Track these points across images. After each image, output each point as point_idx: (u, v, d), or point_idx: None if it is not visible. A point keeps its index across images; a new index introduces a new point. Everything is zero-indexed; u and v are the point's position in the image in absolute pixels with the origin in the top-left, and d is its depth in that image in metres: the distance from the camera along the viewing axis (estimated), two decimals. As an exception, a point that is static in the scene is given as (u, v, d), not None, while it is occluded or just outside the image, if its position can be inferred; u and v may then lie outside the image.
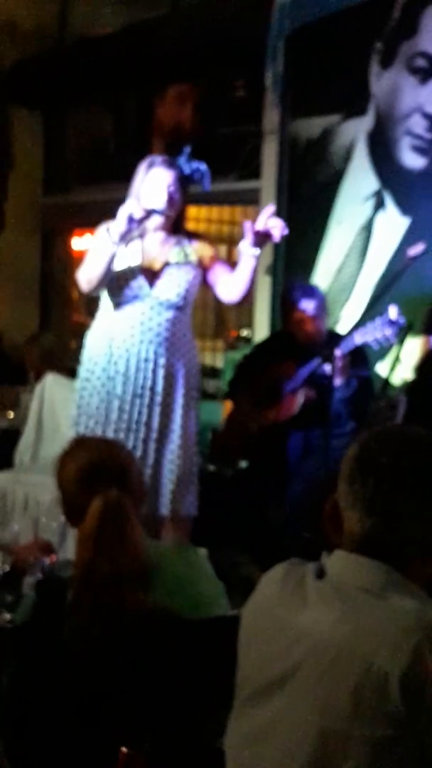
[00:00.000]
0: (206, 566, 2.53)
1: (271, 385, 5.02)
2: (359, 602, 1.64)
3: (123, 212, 4.16)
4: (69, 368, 5.49)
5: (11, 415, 6.34)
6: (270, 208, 4.25)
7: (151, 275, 4.34)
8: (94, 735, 2.04)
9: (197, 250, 4.43)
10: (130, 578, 2.23)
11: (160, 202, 4.27)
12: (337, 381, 4.58)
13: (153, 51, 7.17)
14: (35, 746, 2.03)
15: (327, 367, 4.55)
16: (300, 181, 6.41)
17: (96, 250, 4.27)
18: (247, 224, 4.21)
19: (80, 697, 2.09)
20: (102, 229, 4.32)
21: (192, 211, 7.01)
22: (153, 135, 7.59)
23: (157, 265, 4.34)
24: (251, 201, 6.86)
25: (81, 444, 2.57)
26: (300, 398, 4.83)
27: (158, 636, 2.22)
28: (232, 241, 8.21)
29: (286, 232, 4.19)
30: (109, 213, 4.27)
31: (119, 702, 2.09)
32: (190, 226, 5.98)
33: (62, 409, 5.32)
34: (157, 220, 4.32)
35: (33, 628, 2.23)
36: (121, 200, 4.30)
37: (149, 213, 4.24)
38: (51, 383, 5.60)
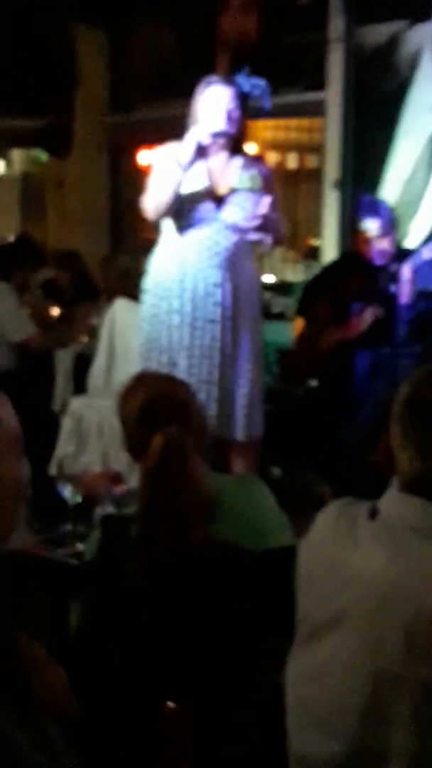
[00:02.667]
0: (268, 497, 2.56)
1: (340, 304, 4.99)
2: (409, 542, 1.66)
3: (190, 138, 4.13)
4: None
5: (85, 339, 6.39)
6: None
7: (217, 198, 4.31)
8: (161, 672, 2.11)
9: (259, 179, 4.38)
10: (192, 513, 2.27)
11: (219, 121, 4.22)
12: (404, 298, 4.54)
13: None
14: (100, 685, 2.10)
15: (394, 286, 4.52)
16: (366, 91, 6.27)
17: (161, 176, 4.25)
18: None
19: (146, 634, 2.16)
20: (164, 152, 4.30)
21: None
22: (217, 49, 7.46)
23: (222, 189, 4.32)
24: (317, 112, 6.73)
25: (141, 380, 2.60)
26: (367, 316, 4.80)
27: (222, 569, 2.27)
28: (301, 149, 8.09)
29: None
30: (176, 129, 4.24)
31: (184, 638, 2.15)
32: (260, 134, 5.92)
33: (133, 334, 5.35)
34: (219, 141, 4.27)
35: (99, 565, 2.29)
36: (186, 117, 4.26)
37: (215, 136, 4.21)
38: (121, 308, 5.62)
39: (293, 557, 1.97)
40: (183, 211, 4.29)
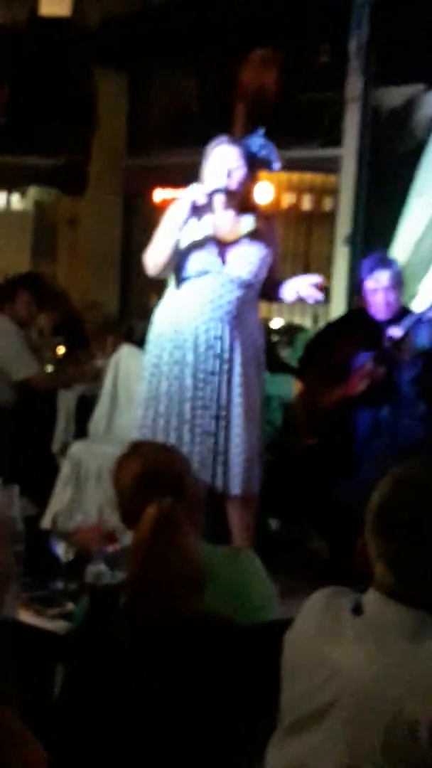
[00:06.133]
0: (259, 570, 2.56)
1: (340, 362, 4.98)
2: (392, 644, 1.66)
3: (186, 199, 4.16)
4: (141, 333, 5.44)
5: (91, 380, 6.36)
6: (316, 279, 4.44)
7: (224, 251, 4.34)
8: (142, 745, 2.10)
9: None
10: (181, 585, 2.26)
11: (220, 179, 4.26)
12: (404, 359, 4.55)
13: (238, 14, 7.09)
14: (82, 757, 2.09)
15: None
16: (382, 151, 6.33)
17: (162, 234, 4.29)
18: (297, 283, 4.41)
19: (129, 706, 2.15)
20: (176, 205, 4.34)
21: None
22: (236, 99, 7.54)
23: (229, 240, 4.35)
24: (332, 169, 6.79)
25: (138, 449, 2.60)
26: (367, 376, 4.78)
27: (209, 642, 2.26)
28: (317, 191, 8.11)
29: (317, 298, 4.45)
30: (190, 175, 4.29)
31: (167, 713, 2.14)
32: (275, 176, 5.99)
33: (136, 381, 5.36)
34: (221, 199, 4.30)
35: (85, 634, 2.29)
36: (200, 164, 4.31)
37: (212, 194, 4.24)
38: (126, 354, 5.65)
39: (280, 633, 1.97)
40: (182, 265, 4.32)
